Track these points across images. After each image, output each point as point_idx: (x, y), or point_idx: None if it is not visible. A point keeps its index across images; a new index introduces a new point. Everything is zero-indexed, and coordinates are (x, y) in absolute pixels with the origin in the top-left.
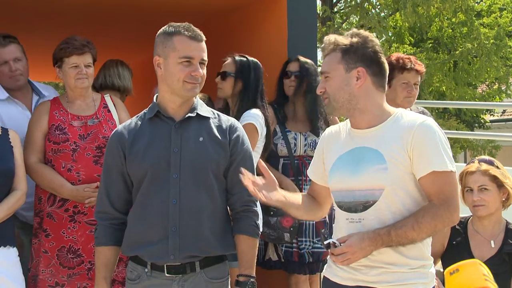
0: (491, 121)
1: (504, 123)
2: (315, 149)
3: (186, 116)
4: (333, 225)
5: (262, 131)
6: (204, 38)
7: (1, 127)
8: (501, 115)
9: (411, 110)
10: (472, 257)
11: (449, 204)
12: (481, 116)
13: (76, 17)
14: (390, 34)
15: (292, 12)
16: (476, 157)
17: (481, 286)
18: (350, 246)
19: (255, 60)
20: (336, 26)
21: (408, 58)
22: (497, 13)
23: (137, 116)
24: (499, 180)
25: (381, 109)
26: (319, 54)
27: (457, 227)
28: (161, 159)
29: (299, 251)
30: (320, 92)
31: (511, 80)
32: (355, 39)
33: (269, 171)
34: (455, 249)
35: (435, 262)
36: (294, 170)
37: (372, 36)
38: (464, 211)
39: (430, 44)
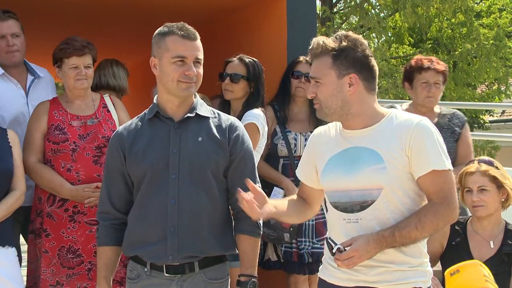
0: (491, 122)
1: (503, 123)
2: (304, 150)
3: (185, 116)
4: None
5: (263, 130)
6: (198, 36)
7: (0, 127)
8: (500, 116)
9: (442, 112)
10: (471, 257)
11: (449, 202)
12: (481, 116)
13: (76, 17)
14: (389, 35)
15: (292, 12)
16: (476, 158)
17: (481, 287)
18: (357, 250)
19: (257, 60)
20: (335, 26)
21: (427, 59)
22: (497, 14)
23: (138, 117)
24: (499, 180)
25: (374, 111)
26: None
27: (456, 227)
28: (160, 159)
29: (298, 251)
30: (311, 96)
31: (510, 81)
32: (344, 43)
33: (256, 188)
34: (454, 249)
35: (434, 263)
36: (294, 170)
37: (361, 38)
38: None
39: (430, 45)
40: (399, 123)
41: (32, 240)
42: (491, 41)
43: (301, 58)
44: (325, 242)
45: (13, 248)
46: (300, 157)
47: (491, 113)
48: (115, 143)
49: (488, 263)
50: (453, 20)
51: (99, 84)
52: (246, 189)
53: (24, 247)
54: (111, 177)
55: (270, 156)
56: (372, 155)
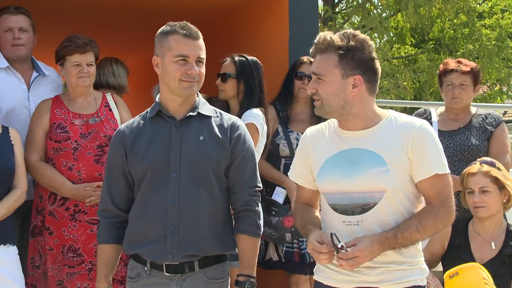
0: None
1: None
2: (296, 152)
3: (187, 115)
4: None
5: (262, 130)
6: (200, 36)
7: (2, 125)
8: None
9: (477, 112)
10: (472, 258)
11: (448, 205)
12: None
13: (79, 15)
14: (391, 35)
15: (294, 12)
16: (478, 159)
17: None
18: (362, 250)
19: (255, 59)
20: (337, 26)
21: (455, 61)
22: (499, 15)
23: (140, 115)
24: (500, 181)
25: (374, 112)
26: None
27: (457, 228)
28: (161, 158)
29: (300, 251)
30: (311, 92)
31: None
32: (352, 43)
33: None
34: (456, 250)
35: (435, 263)
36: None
37: (368, 39)
38: None
39: (432, 45)
40: (400, 126)
41: (32, 239)
42: (493, 42)
43: (305, 58)
44: (329, 236)
45: (14, 246)
46: None
47: None
48: (117, 141)
49: (489, 264)
50: (455, 21)
51: (98, 82)
52: (246, 188)
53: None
54: (112, 175)
55: (272, 156)
56: (373, 158)
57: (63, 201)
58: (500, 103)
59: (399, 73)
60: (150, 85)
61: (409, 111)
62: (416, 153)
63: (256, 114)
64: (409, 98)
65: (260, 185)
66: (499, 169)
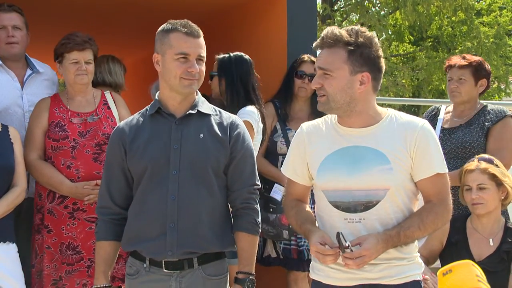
0: None
1: None
2: (291, 147)
3: (187, 113)
4: (319, 222)
5: (258, 128)
6: (201, 34)
7: (2, 124)
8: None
9: (482, 108)
10: (470, 255)
11: (447, 203)
12: None
13: (77, 13)
14: (390, 33)
15: (292, 10)
16: (476, 156)
17: (474, 287)
18: (368, 249)
19: (239, 54)
20: (336, 24)
21: (457, 56)
22: (497, 12)
23: (139, 113)
24: (498, 178)
25: (375, 110)
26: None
27: (456, 225)
28: (161, 155)
29: (297, 248)
30: (316, 86)
31: (510, 79)
32: (361, 39)
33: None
34: (454, 247)
35: (433, 260)
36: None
37: (375, 36)
38: None
39: (430, 43)
40: (401, 125)
41: (32, 236)
42: (491, 39)
43: (306, 57)
44: (335, 237)
45: (14, 244)
46: None
47: None
48: (116, 138)
49: (487, 261)
50: (453, 18)
51: (95, 80)
52: (245, 187)
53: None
54: (111, 172)
55: (270, 153)
56: (377, 155)
57: (62, 199)
58: (498, 100)
59: (397, 71)
60: (149, 83)
61: (408, 108)
62: (418, 152)
63: (251, 112)
64: (407, 96)
65: (259, 183)
66: (497, 166)
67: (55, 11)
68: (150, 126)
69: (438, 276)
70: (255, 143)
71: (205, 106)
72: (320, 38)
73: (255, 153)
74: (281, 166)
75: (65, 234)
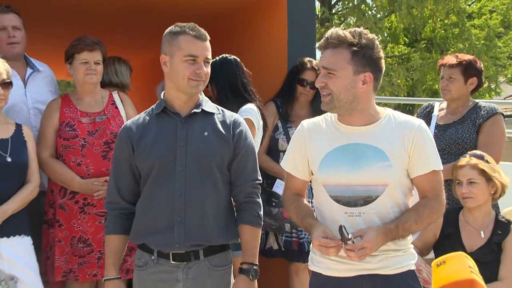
0: None
1: None
2: (292, 143)
3: (192, 111)
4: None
5: (258, 124)
6: (208, 37)
7: (15, 123)
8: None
9: (474, 106)
10: (463, 247)
11: (441, 198)
12: None
13: (88, 16)
14: (385, 35)
15: (292, 13)
16: (468, 152)
17: (466, 278)
18: (369, 241)
19: (224, 56)
20: (334, 27)
21: (451, 55)
22: (487, 15)
23: (145, 112)
24: (488, 174)
25: (374, 109)
26: (318, 54)
27: (449, 218)
28: (168, 153)
29: (298, 240)
30: (320, 85)
31: (500, 79)
32: (364, 41)
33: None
34: (447, 239)
35: (427, 251)
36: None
37: (376, 38)
38: None
39: (424, 45)
40: (400, 124)
41: (45, 230)
42: (482, 41)
43: (308, 64)
44: (338, 229)
45: (29, 237)
46: None
47: None
48: (123, 136)
49: (479, 252)
50: (446, 21)
51: (102, 81)
52: (248, 181)
53: None
54: (119, 168)
55: (271, 150)
56: (376, 153)
57: (72, 195)
58: (488, 99)
59: (393, 71)
60: (155, 83)
61: (403, 107)
62: (415, 150)
63: (251, 109)
64: (402, 95)
65: (260, 178)
66: (487, 161)
67: (65, 15)
68: (156, 124)
69: (432, 267)
70: (256, 139)
71: (208, 105)
72: (324, 38)
73: (256, 149)
74: None
75: (76, 228)
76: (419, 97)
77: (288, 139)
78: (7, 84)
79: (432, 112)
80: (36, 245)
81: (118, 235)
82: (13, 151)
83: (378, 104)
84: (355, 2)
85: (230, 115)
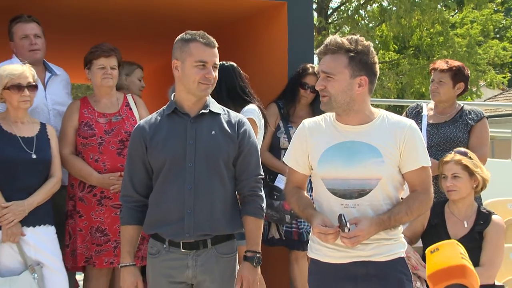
0: None
1: None
2: (293, 140)
3: (200, 112)
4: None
5: (260, 123)
6: (216, 45)
7: (40, 122)
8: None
9: (462, 108)
10: (448, 236)
11: (429, 192)
12: None
13: (106, 25)
14: (377, 42)
15: (292, 22)
16: (454, 149)
17: (458, 263)
18: (362, 230)
19: (222, 63)
20: (330, 35)
21: (441, 60)
22: (469, 25)
23: (157, 112)
24: (470, 169)
25: (370, 110)
26: (316, 60)
27: (435, 209)
28: (178, 150)
29: (298, 230)
30: (319, 88)
31: (480, 83)
32: (360, 47)
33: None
34: (434, 229)
35: (416, 240)
36: (283, 160)
37: (371, 45)
38: None
39: (412, 51)
40: (392, 124)
41: (65, 221)
42: (464, 49)
43: (309, 69)
44: (337, 218)
45: (52, 226)
46: None
47: None
48: (137, 135)
49: (462, 240)
50: (431, 30)
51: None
52: (251, 176)
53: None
54: (133, 164)
55: (273, 147)
56: (371, 149)
57: (91, 189)
58: (470, 101)
59: (384, 76)
60: (166, 87)
61: (393, 108)
62: (406, 148)
63: (253, 110)
64: (392, 97)
65: (263, 173)
66: (470, 158)
67: (85, 23)
68: (167, 124)
69: (426, 254)
70: (258, 137)
71: (215, 106)
72: (324, 45)
73: (259, 146)
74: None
75: (94, 218)
76: (407, 99)
77: (289, 138)
78: (33, 87)
79: (421, 111)
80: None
81: (132, 225)
82: (38, 149)
83: (371, 105)
84: (349, 13)
85: (235, 116)
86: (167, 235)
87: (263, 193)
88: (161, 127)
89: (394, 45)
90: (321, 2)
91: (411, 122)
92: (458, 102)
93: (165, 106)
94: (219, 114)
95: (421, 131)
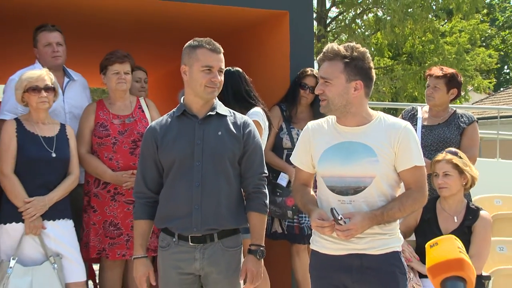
0: None
1: None
2: (299, 141)
3: (208, 114)
4: (319, 203)
5: (265, 125)
6: (222, 50)
7: (60, 123)
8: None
9: (454, 112)
10: (439, 230)
11: (423, 190)
12: None
13: (120, 33)
14: (372, 49)
15: (294, 31)
16: (446, 149)
17: (456, 257)
18: (355, 224)
19: (228, 69)
20: (329, 42)
21: (436, 67)
22: (457, 34)
23: (168, 114)
24: (460, 167)
25: (367, 112)
26: (315, 65)
27: (428, 205)
28: (187, 149)
29: (299, 225)
30: (318, 93)
31: (468, 88)
32: (355, 53)
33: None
34: (426, 223)
35: (409, 234)
36: (290, 160)
37: (367, 52)
38: None
39: (405, 58)
40: (388, 125)
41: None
42: (453, 56)
43: (309, 71)
44: (329, 211)
45: (71, 220)
46: None
47: None
48: (149, 136)
49: (453, 234)
50: (423, 38)
51: None
52: (255, 174)
53: None
54: (145, 163)
55: (276, 147)
56: (366, 149)
57: (105, 185)
58: (459, 104)
59: (379, 80)
60: (176, 90)
61: (387, 111)
62: (400, 148)
63: (258, 112)
64: (387, 100)
65: (266, 171)
66: (460, 157)
67: (101, 30)
68: (177, 125)
69: (426, 248)
70: (263, 138)
71: (222, 109)
72: (322, 53)
73: (263, 146)
74: (286, 158)
75: (108, 213)
76: (401, 102)
77: (291, 139)
78: (51, 89)
79: (416, 114)
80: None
81: (144, 220)
82: (57, 148)
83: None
84: (347, 22)
85: (240, 117)
86: (176, 229)
87: (266, 190)
88: (171, 128)
89: (388, 52)
90: (321, 11)
91: (406, 124)
92: (451, 106)
93: (175, 108)
94: (225, 116)
95: (416, 132)
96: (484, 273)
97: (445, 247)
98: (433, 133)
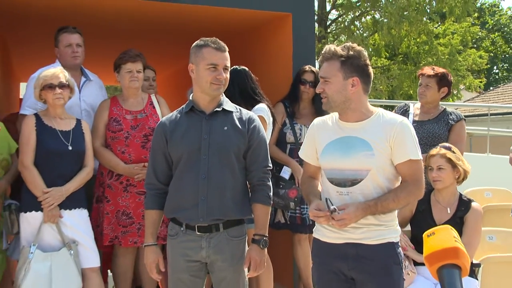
0: None
1: None
2: (306, 136)
3: (214, 110)
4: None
5: (269, 120)
6: (227, 49)
7: (76, 118)
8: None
9: (444, 110)
10: (433, 221)
11: (419, 183)
12: None
13: (133, 33)
14: (370, 50)
15: (296, 32)
16: (439, 144)
17: (451, 246)
18: (348, 214)
19: (235, 67)
20: (329, 43)
21: (428, 67)
22: (450, 36)
23: (177, 110)
24: (453, 161)
25: (366, 108)
26: (317, 64)
27: (422, 197)
28: (194, 143)
29: (301, 215)
30: (319, 91)
31: (460, 87)
32: (351, 52)
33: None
34: (421, 214)
35: (405, 225)
36: (298, 154)
37: (364, 50)
38: None
39: (401, 58)
40: (386, 121)
41: (95, 205)
42: (446, 56)
43: (307, 68)
44: (323, 200)
45: (85, 209)
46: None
47: None
48: (159, 130)
49: (446, 224)
50: (418, 40)
51: None
52: (260, 168)
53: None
54: (156, 156)
55: (280, 142)
56: (363, 143)
57: (118, 177)
58: (451, 102)
59: (376, 79)
60: (185, 88)
61: (384, 107)
62: (396, 142)
63: (263, 108)
64: (384, 98)
65: (271, 165)
66: (453, 152)
67: (116, 30)
68: (185, 121)
69: (423, 237)
70: (267, 133)
71: (228, 105)
72: (321, 54)
73: (268, 141)
74: (289, 152)
75: (121, 203)
76: (397, 99)
77: (294, 133)
78: (65, 86)
79: (408, 110)
80: None
81: (155, 210)
82: (73, 141)
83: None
84: (346, 24)
85: (246, 113)
86: (183, 219)
87: (270, 183)
88: (180, 123)
89: (385, 53)
90: (321, 14)
91: (403, 119)
92: (443, 104)
93: (184, 105)
94: (231, 112)
95: None
96: (474, 261)
97: (441, 237)
98: (423, 128)
